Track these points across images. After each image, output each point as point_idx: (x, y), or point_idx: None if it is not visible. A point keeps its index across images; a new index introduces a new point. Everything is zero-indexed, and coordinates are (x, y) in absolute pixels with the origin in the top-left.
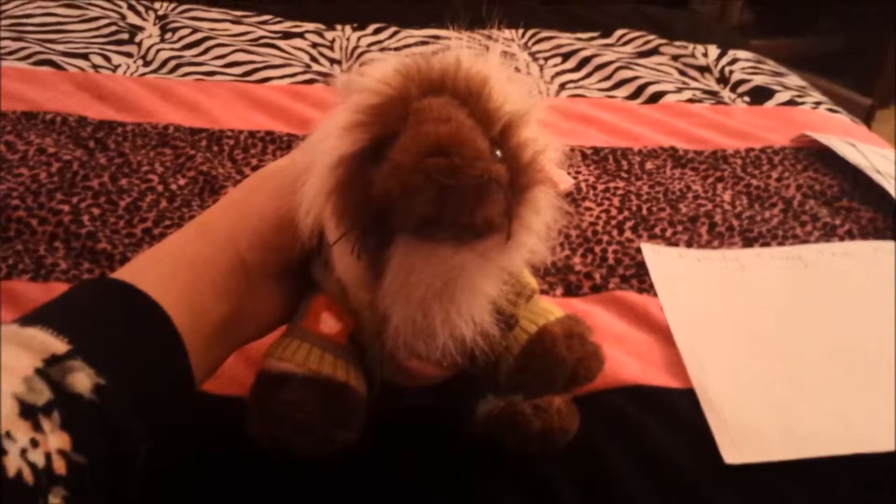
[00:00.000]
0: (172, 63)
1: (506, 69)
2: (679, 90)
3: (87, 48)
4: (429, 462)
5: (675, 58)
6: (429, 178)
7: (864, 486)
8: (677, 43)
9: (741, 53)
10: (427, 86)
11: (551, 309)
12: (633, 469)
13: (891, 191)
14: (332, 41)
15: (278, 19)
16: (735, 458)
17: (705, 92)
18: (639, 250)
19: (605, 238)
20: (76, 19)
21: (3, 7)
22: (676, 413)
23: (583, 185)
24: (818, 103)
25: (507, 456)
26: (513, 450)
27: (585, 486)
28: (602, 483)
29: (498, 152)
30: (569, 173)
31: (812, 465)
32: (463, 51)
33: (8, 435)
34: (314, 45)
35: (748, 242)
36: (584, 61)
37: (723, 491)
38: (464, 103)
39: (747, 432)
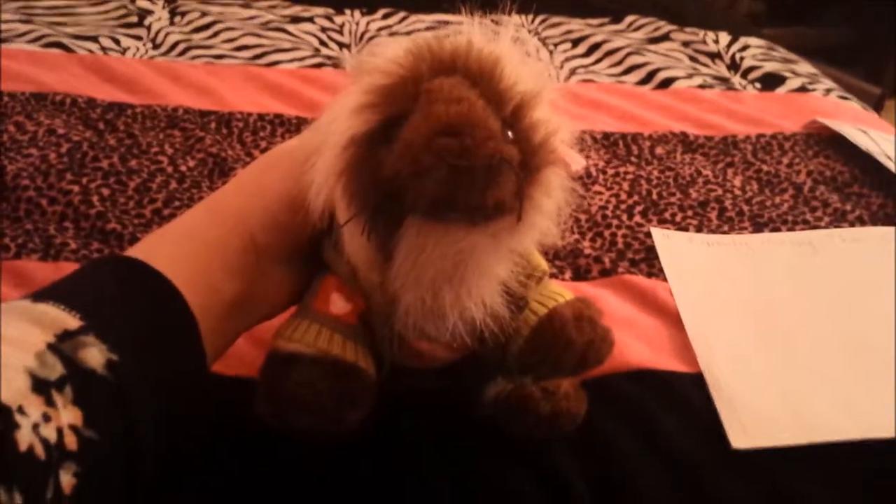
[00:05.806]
0: (182, 46)
1: (517, 51)
2: (690, 76)
3: (96, 31)
4: (437, 444)
5: (686, 44)
6: (439, 158)
7: (872, 472)
8: (688, 29)
9: (752, 40)
10: (438, 66)
11: (561, 291)
12: (641, 453)
13: None
14: (342, 25)
15: (287, 3)
16: (743, 442)
17: (716, 78)
18: (648, 235)
19: (615, 222)
20: (85, 3)
21: None
22: (685, 397)
23: (593, 169)
24: (829, 90)
25: (514, 439)
26: (521, 433)
27: (593, 469)
28: (609, 466)
29: (509, 133)
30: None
31: (820, 451)
32: (474, 32)
33: (20, 409)
34: (323, 30)
35: (758, 227)
36: (595, 47)
37: (730, 475)
38: (475, 84)
39: (755, 417)
